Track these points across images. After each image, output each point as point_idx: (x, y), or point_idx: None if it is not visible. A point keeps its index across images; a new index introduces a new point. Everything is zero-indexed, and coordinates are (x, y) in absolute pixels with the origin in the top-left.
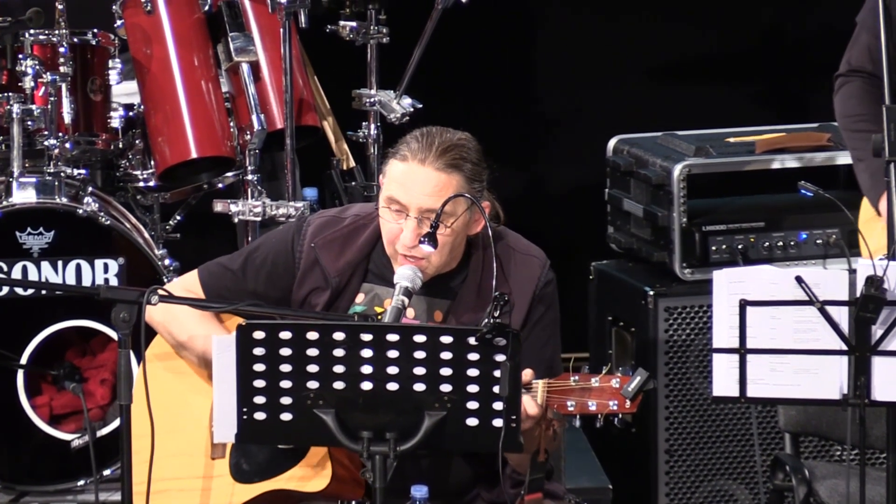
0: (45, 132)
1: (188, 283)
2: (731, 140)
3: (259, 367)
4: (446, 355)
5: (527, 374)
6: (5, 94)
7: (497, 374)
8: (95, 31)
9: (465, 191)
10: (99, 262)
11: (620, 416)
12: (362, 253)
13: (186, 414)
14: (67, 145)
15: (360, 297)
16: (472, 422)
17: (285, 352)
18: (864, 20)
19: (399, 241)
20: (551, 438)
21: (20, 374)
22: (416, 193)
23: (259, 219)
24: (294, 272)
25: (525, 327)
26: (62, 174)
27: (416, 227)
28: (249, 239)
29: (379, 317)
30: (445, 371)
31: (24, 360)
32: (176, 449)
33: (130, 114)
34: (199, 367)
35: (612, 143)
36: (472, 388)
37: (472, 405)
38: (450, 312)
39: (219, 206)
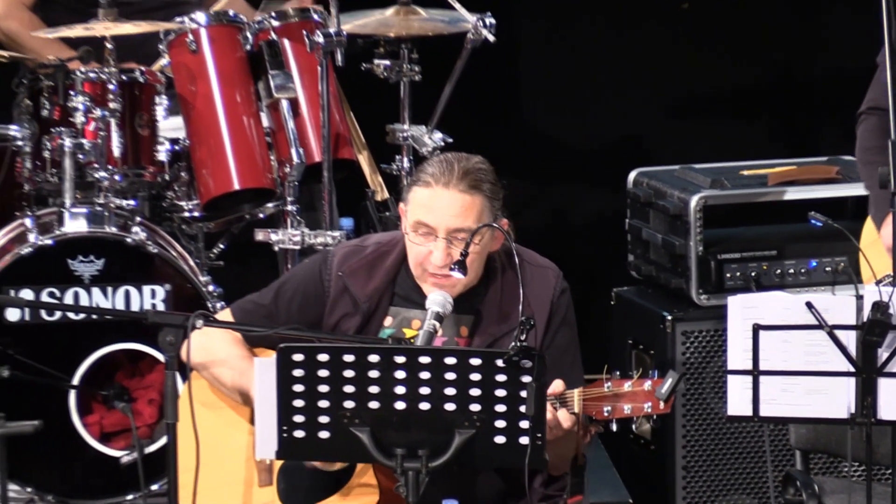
0: (96, 165)
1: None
2: (745, 173)
3: (298, 388)
4: (475, 377)
5: (558, 384)
6: (58, 129)
7: (523, 394)
8: (143, 69)
9: (487, 208)
10: (146, 289)
11: (655, 416)
12: (388, 277)
13: (227, 446)
14: (117, 177)
15: (388, 321)
16: (500, 439)
17: (323, 373)
18: (885, 61)
19: (430, 262)
20: (587, 443)
21: (72, 395)
22: (444, 215)
23: (298, 247)
24: (324, 300)
25: (546, 335)
26: (112, 205)
27: (446, 247)
28: (289, 266)
29: (411, 340)
30: (474, 391)
31: (76, 380)
32: (221, 480)
33: (176, 147)
34: (230, 395)
35: (632, 175)
36: (500, 408)
37: (500, 424)
38: (474, 328)
39: (260, 235)
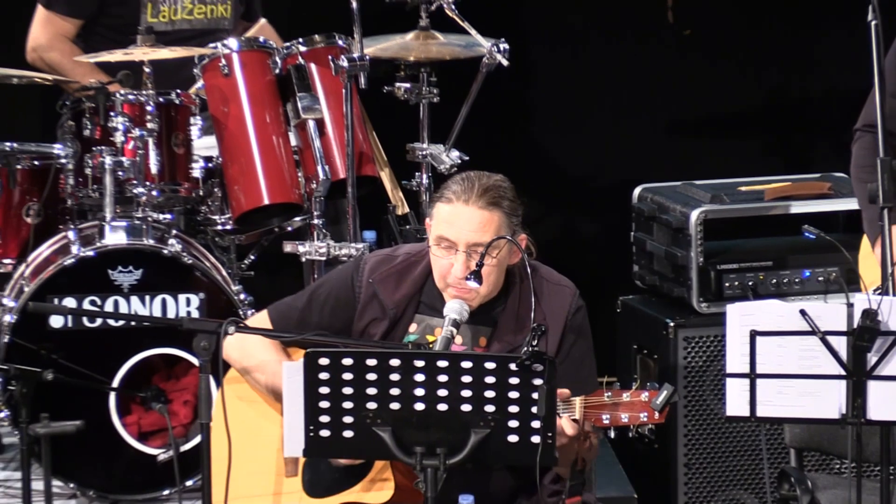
0: (134, 181)
1: (260, 321)
2: (743, 188)
3: (324, 390)
4: (490, 380)
5: (564, 393)
6: (99, 148)
7: (535, 396)
8: (178, 91)
9: (505, 224)
10: (182, 297)
11: (651, 426)
12: (416, 287)
13: (259, 437)
14: (154, 193)
15: (413, 327)
16: (513, 438)
17: (347, 376)
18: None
19: (451, 275)
20: (588, 449)
21: (112, 396)
22: (464, 230)
23: (324, 258)
24: (354, 305)
25: (560, 350)
26: (149, 218)
27: (466, 260)
28: (315, 276)
29: (430, 345)
30: (489, 394)
31: (115, 383)
32: (252, 469)
33: (210, 165)
34: (267, 395)
35: (636, 191)
36: (513, 409)
37: (513, 424)
38: (492, 337)
39: (288, 247)
